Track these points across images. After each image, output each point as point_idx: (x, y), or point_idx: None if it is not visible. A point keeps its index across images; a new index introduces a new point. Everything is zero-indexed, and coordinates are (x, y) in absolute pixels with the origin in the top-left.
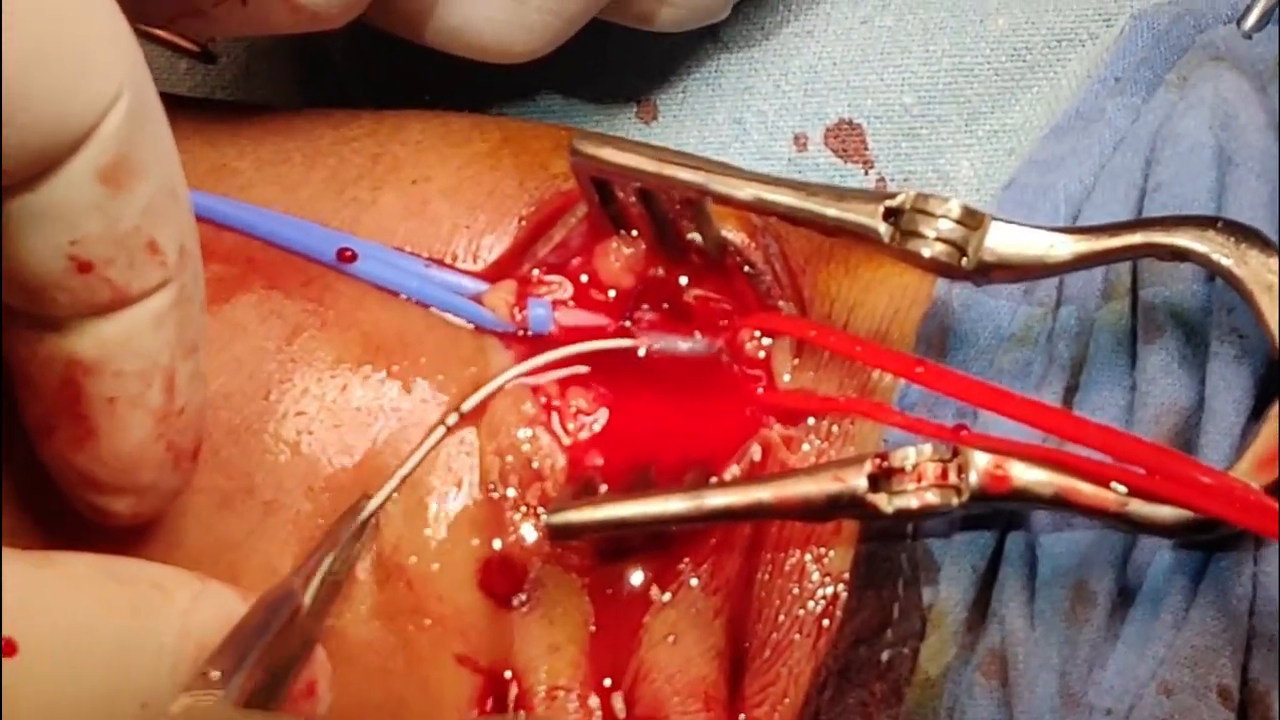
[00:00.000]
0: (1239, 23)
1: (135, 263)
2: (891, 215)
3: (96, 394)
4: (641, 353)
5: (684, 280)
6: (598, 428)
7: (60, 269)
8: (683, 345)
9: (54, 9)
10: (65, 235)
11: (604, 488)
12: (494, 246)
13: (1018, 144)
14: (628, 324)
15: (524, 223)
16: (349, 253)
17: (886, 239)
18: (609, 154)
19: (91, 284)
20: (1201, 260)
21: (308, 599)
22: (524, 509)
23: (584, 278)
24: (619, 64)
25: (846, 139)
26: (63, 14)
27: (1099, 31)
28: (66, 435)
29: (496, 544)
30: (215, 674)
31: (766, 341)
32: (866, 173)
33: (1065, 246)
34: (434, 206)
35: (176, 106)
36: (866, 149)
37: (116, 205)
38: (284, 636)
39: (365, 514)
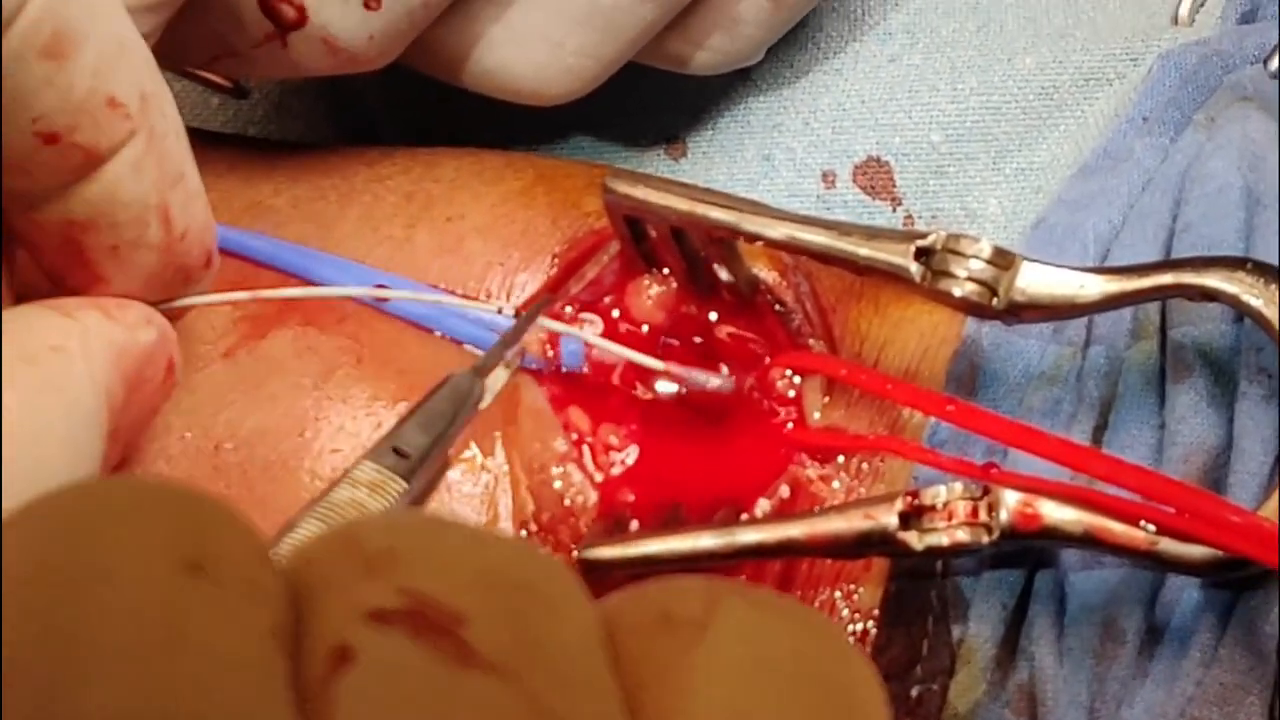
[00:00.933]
0: (1265, 63)
1: (99, 122)
2: (923, 255)
3: (98, 244)
4: (671, 390)
5: (714, 317)
6: (629, 465)
7: (30, 146)
8: (713, 382)
9: None
10: (26, 115)
11: (635, 524)
12: (528, 284)
13: (1045, 182)
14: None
15: (557, 260)
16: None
17: (918, 278)
18: (642, 193)
19: (63, 152)
20: (1231, 301)
21: (489, 396)
22: (556, 545)
23: (615, 314)
24: (648, 101)
25: (875, 176)
26: None
27: (1126, 71)
28: (78, 281)
29: None
30: (403, 449)
31: (797, 380)
32: (894, 210)
33: (1095, 287)
34: (468, 244)
35: (210, 143)
36: (894, 186)
37: (65, 75)
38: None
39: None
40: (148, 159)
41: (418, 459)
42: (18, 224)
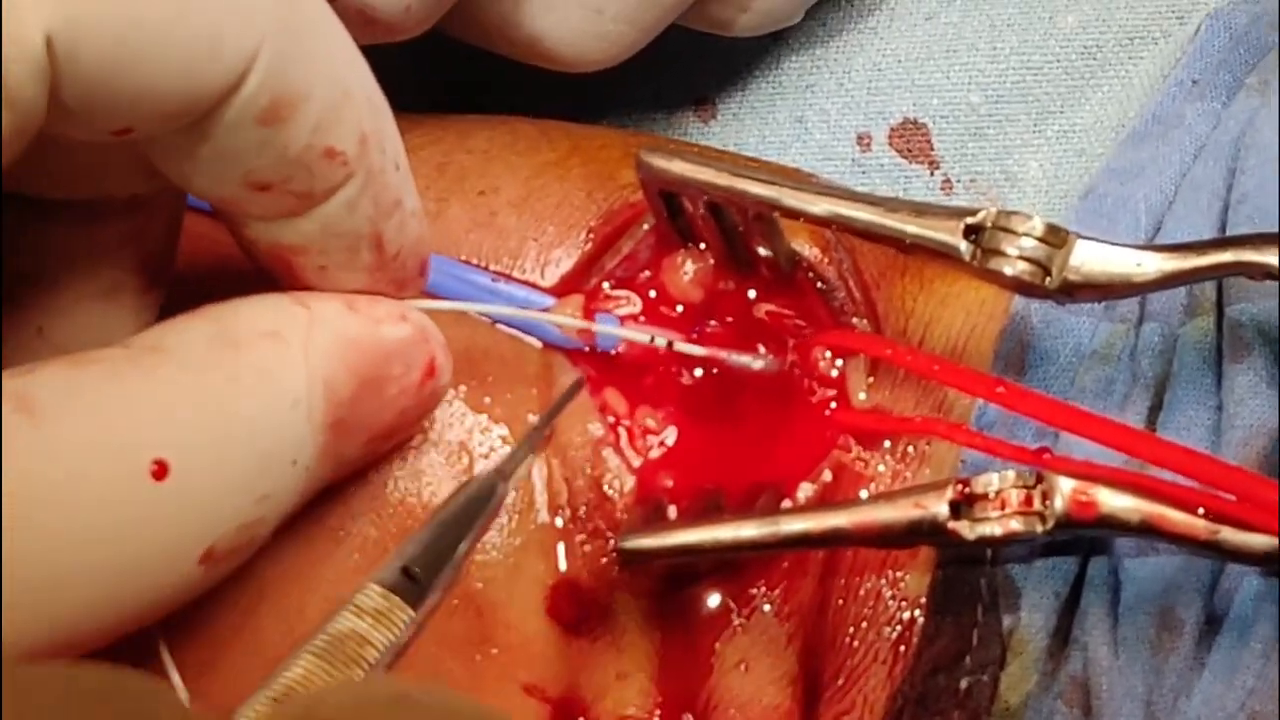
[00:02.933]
0: None
1: (315, 172)
2: (972, 232)
3: (307, 265)
4: (712, 370)
5: (753, 295)
6: (667, 448)
7: (239, 193)
8: (754, 362)
9: None
10: (237, 170)
11: (673, 510)
12: (562, 259)
13: (1088, 144)
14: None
15: (592, 235)
16: None
17: (968, 257)
18: (679, 168)
19: (275, 198)
20: None
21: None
22: (593, 533)
23: (652, 292)
24: (677, 62)
25: (911, 139)
26: None
27: (1172, 29)
28: (285, 285)
29: (565, 570)
30: (412, 570)
31: (839, 360)
32: (932, 173)
33: (1153, 265)
34: (501, 218)
35: None
36: (932, 149)
37: (283, 136)
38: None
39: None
40: (363, 198)
41: (427, 583)
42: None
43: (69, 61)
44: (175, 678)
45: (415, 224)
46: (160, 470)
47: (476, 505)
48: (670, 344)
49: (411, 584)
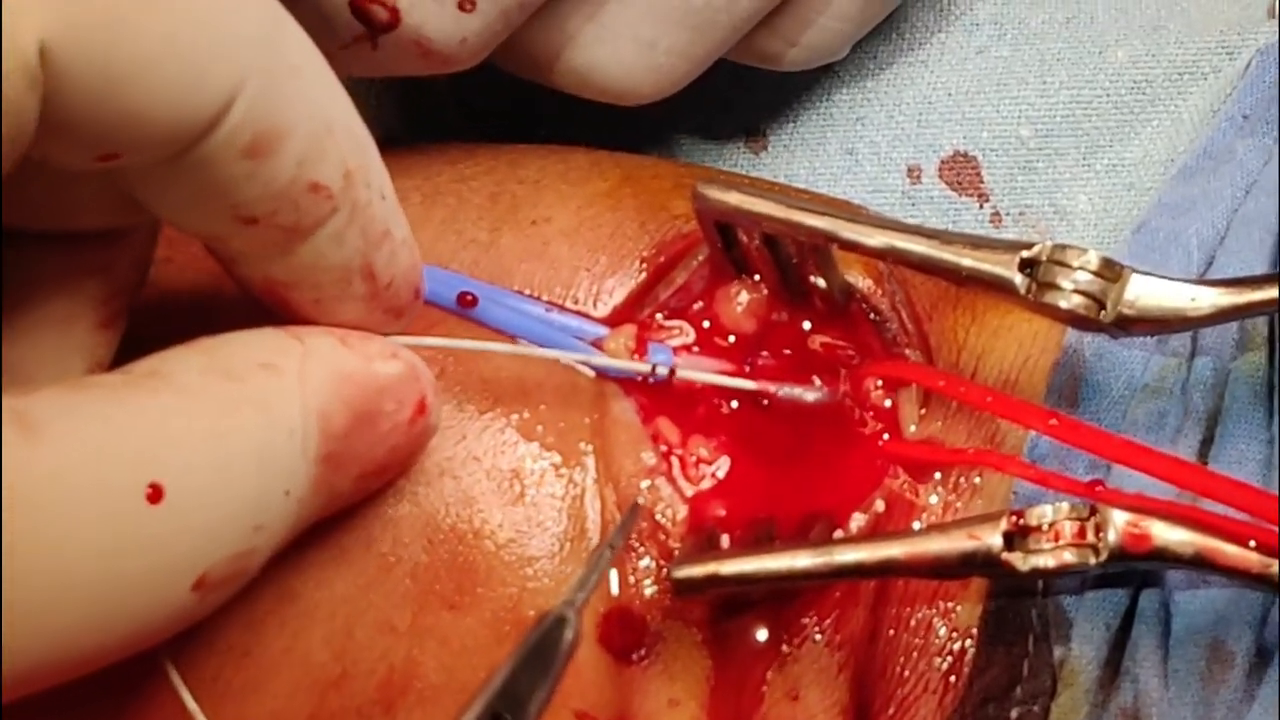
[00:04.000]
0: None
1: (300, 205)
2: (1027, 266)
3: (302, 298)
4: (764, 400)
5: (807, 326)
6: (720, 477)
7: (227, 227)
8: (806, 393)
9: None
10: (223, 203)
11: (725, 539)
12: (615, 290)
13: (1137, 179)
14: (749, 370)
15: (645, 265)
16: (470, 297)
17: (1023, 291)
18: (736, 199)
19: (263, 232)
20: None
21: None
22: (644, 561)
23: (705, 323)
24: (728, 93)
25: (961, 171)
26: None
27: (1221, 65)
28: (282, 319)
29: (617, 597)
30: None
31: (892, 391)
32: (981, 206)
33: (1207, 299)
34: (554, 248)
35: None
36: (982, 182)
37: (268, 170)
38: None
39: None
40: (350, 230)
41: None
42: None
43: (61, 73)
44: (187, 699)
45: (406, 253)
46: (155, 493)
47: (553, 645)
48: (673, 371)
49: None
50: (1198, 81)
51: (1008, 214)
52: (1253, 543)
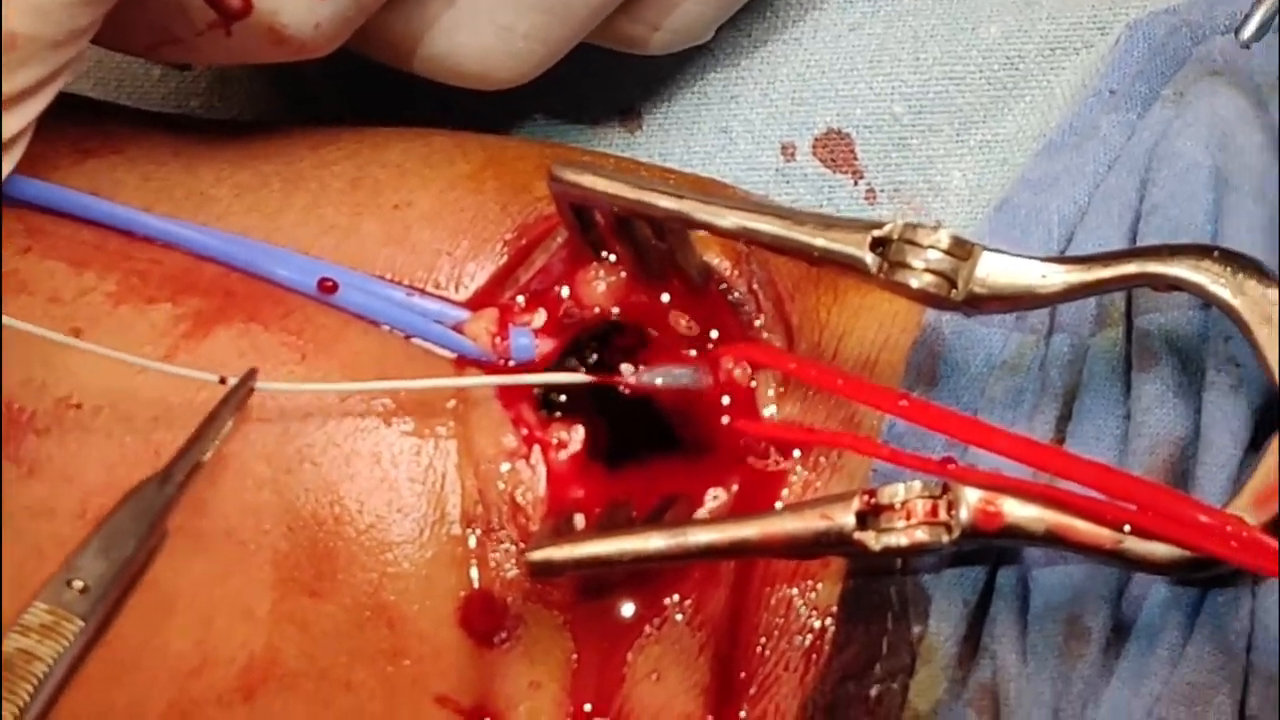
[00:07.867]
0: (1237, 32)
1: None
2: (879, 245)
3: None
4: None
5: (667, 299)
6: (579, 459)
7: None
8: (664, 375)
9: None
10: None
11: (582, 520)
12: (477, 273)
13: (1010, 155)
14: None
15: (506, 248)
16: (330, 283)
17: (874, 270)
18: (589, 181)
19: None
20: (1198, 291)
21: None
22: (504, 544)
23: (565, 294)
24: (601, 73)
25: (835, 149)
26: None
27: (1094, 40)
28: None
29: (476, 580)
30: (78, 583)
31: (751, 371)
32: (856, 183)
33: (1057, 277)
34: (415, 233)
35: (153, 125)
36: (856, 159)
37: None
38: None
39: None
40: None
41: (99, 593)
42: None
43: None
44: None
45: None
46: None
47: (143, 515)
48: (622, 384)
49: (80, 596)
50: (1070, 57)
51: (882, 190)
52: (1105, 519)
